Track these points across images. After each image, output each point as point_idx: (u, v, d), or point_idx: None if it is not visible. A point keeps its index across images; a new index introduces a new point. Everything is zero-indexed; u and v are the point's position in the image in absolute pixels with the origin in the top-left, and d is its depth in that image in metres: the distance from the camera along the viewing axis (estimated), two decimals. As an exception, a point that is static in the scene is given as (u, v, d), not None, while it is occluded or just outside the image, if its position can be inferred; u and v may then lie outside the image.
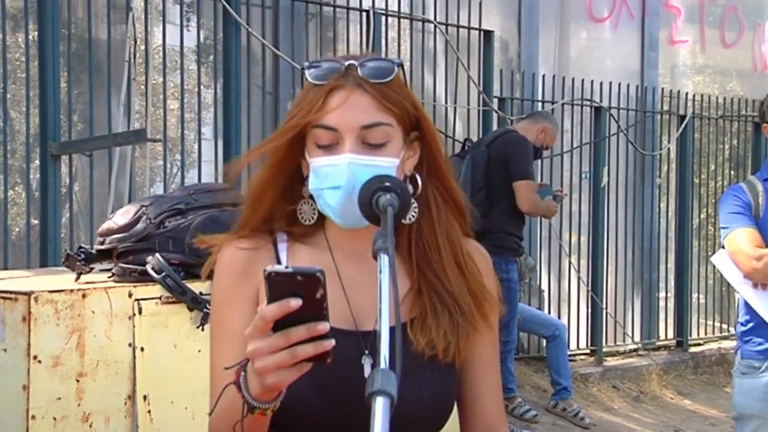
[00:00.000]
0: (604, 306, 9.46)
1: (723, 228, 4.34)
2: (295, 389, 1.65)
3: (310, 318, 1.54)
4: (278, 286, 1.52)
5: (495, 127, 8.52)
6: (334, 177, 1.84)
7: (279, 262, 1.93)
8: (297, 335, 1.54)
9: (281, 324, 1.54)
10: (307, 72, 1.88)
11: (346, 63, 1.88)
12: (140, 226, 3.77)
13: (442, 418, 1.93)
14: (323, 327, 1.54)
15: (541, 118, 7.77)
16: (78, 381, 3.36)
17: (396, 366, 1.55)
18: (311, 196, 1.91)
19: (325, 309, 1.54)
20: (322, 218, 1.94)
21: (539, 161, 8.93)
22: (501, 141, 7.33)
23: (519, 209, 7.15)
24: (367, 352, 1.85)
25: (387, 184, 1.79)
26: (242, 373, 1.65)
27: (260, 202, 1.93)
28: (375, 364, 1.59)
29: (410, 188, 1.91)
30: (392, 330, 1.59)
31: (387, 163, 1.86)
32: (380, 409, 1.50)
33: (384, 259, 1.66)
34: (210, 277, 1.96)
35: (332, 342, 1.55)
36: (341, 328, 1.85)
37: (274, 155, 1.90)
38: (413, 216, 1.92)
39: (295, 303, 1.52)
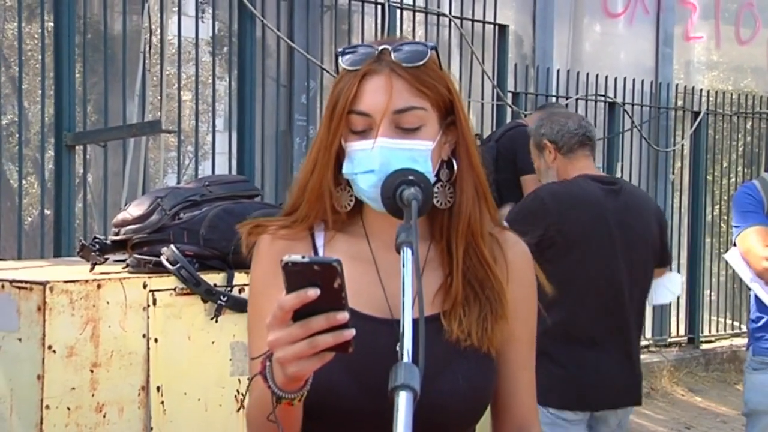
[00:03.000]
0: (616, 302, 9.42)
1: (735, 226, 4.34)
2: (332, 378, 1.65)
3: (329, 308, 1.53)
4: (295, 276, 1.52)
5: (509, 121, 8.51)
6: (367, 161, 1.83)
7: (316, 250, 1.93)
8: (316, 325, 1.54)
9: (301, 314, 1.54)
10: (341, 58, 1.88)
11: (380, 48, 1.87)
12: (155, 217, 3.76)
13: (479, 408, 1.91)
14: (342, 317, 1.54)
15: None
16: (92, 371, 3.37)
17: (419, 360, 1.55)
18: (348, 183, 1.90)
19: (343, 298, 1.54)
20: (359, 206, 1.93)
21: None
22: (509, 136, 7.30)
23: None
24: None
25: (410, 177, 1.79)
26: (268, 364, 1.64)
27: (304, 190, 1.92)
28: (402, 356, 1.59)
29: (447, 173, 1.91)
30: (416, 323, 1.59)
31: (421, 147, 1.85)
32: (403, 403, 1.50)
33: (407, 253, 1.65)
34: (245, 258, 1.96)
35: (352, 332, 1.55)
36: (377, 316, 1.85)
37: (316, 144, 1.90)
38: (449, 201, 1.91)
39: (313, 293, 1.51)
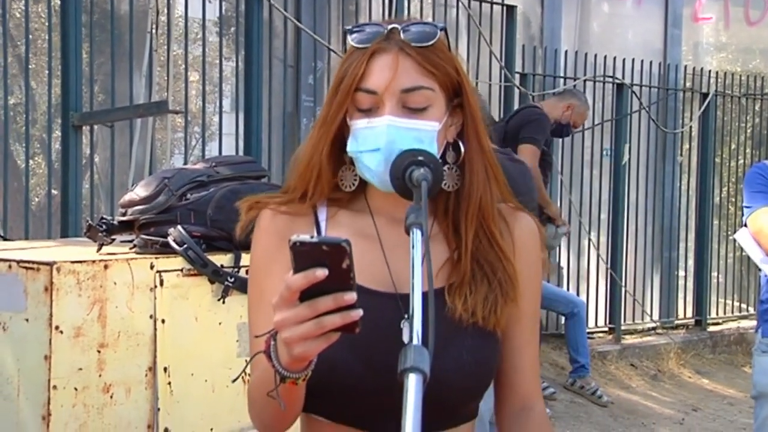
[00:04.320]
0: (623, 284, 9.43)
1: (746, 207, 4.32)
2: (333, 354, 1.64)
3: (336, 288, 1.52)
4: (303, 255, 1.51)
5: (516, 102, 8.49)
6: (373, 139, 1.82)
7: (319, 228, 1.92)
8: (324, 305, 1.52)
9: (308, 294, 1.52)
10: (350, 36, 1.87)
11: (389, 27, 1.86)
12: (162, 198, 3.76)
13: (483, 384, 1.91)
14: (350, 297, 1.52)
15: (569, 95, 7.73)
16: (99, 352, 3.37)
17: (429, 341, 1.54)
18: (352, 162, 1.89)
19: (351, 279, 1.52)
20: (363, 185, 1.92)
21: (561, 139, 8.90)
22: (518, 116, 7.31)
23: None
24: (406, 316, 1.78)
25: (420, 158, 1.78)
26: (272, 343, 1.64)
27: (307, 167, 1.91)
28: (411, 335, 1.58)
29: (453, 155, 1.90)
30: (424, 304, 1.58)
31: (427, 127, 1.84)
32: (413, 386, 1.49)
33: (417, 234, 1.64)
34: (246, 235, 1.94)
35: (360, 312, 1.54)
36: (381, 290, 1.85)
37: (321, 121, 1.89)
38: (456, 184, 1.91)
39: (321, 273, 1.50)
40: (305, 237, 1.51)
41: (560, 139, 8.93)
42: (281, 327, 1.56)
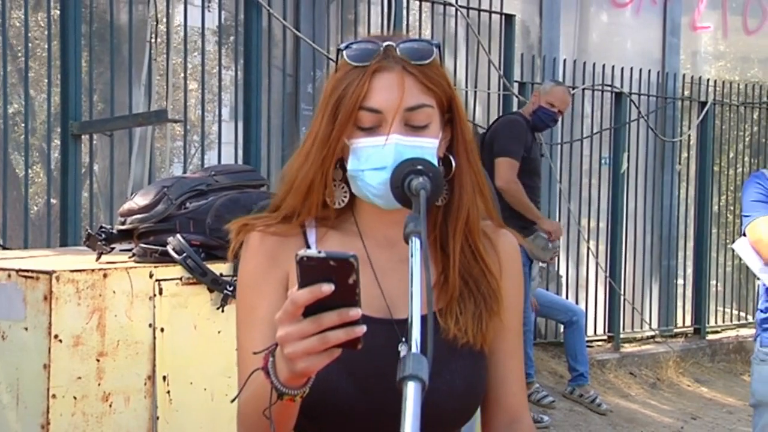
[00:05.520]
0: (622, 292, 9.43)
1: (745, 216, 4.32)
2: (329, 378, 1.63)
3: (341, 303, 1.51)
4: (310, 270, 1.50)
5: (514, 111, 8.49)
6: (379, 158, 1.82)
7: (308, 247, 1.91)
8: (328, 321, 1.52)
9: (312, 309, 1.52)
10: (345, 53, 1.86)
11: (384, 44, 1.85)
12: (161, 206, 3.77)
13: (473, 407, 1.92)
14: (355, 313, 1.51)
15: (540, 87, 7.65)
16: (98, 361, 3.37)
17: (428, 351, 1.54)
18: (343, 179, 1.89)
19: (357, 295, 1.51)
20: (350, 205, 1.92)
21: (559, 147, 8.91)
22: (493, 126, 7.31)
23: (498, 190, 6.92)
24: (403, 339, 1.80)
25: (419, 167, 1.78)
26: (270, 359, 1.62)
27: (298, 186, 1.90)
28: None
29: (443, 170, 1.89)
30: (424, 316, 1.58)
31: (429, 145, 1.84)
32: (412, 394, 1.49)
33: (416, 243, 1.64)
34: (236, 258, 1.94)
35: (363, 328, 1.53)
36: (375, 316, 1.84)
37: (314, 139, 1.88)
38: (445, 198, 1.91)
39: (327, 288, 1.49)
40: (312, 252, 1.50)
41: (558, 147, 8.95)
42: (285, 342, 1.55)
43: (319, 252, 1.50)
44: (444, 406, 1.83)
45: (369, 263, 1.90)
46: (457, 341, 1.86)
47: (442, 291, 1.90)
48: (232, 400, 1.82)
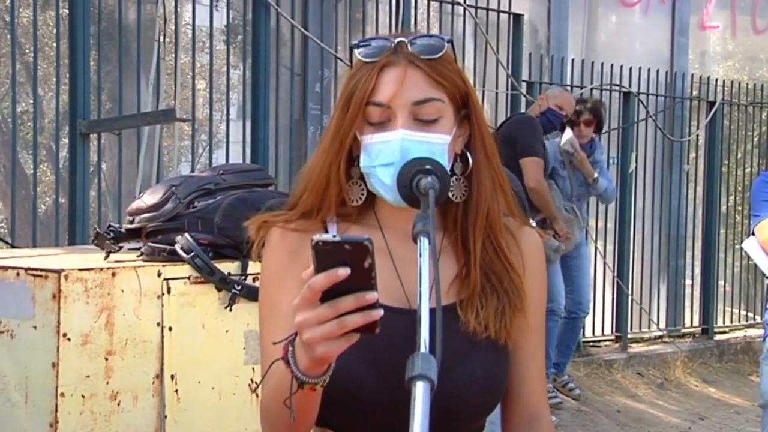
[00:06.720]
0: (630, 292, 9.42)
1: (754, 215, 4.31)
2: (349, 368, 1.63)
3: (358, 288, 1.51)
4: (325, 255, 1.50)
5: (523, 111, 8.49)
6: (387, 154, 1.83)
7: None
8: (345, 305, 1.52)
9: (329, 294, 1.52)
10: (356, 50, 1.88)
11: (396, 40, 1.87)
12: (170, 205, 3.77)
13: (494, 400, 1.92)
14: (372, 296, 1.52)
15: (548, 91, 7.73)
16: (107, 359, 3.38)
17: (436, 350, 1.54)
18: (360, 177, 1.90)
19: (373, 278, 1.51)
20: (371, 199, 1.92)
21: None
22: (508, 122, 7.33)
23: (528, 190, 6.97)
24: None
25: (427, 166, 1.78)
26: (290, 348, 1.63)
27: (320, 181, 1.91)
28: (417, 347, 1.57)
29: (461, 167, 1.90)
30: (433, 313, 1.58)
31: (439, 140, 1.85)
32: (420, 394, 1.49)
33: (424, 243, 1.64)
34: (259, 257, 1.94)
35: (381, 312, 1.53)
36: (395, 306, 1.84)
37: (329, 135, 1.89)
38: (464, 195, 1.91)
39: (343, 272, 1.49)
40: (327, 236, 1.50)
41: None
42: (303, 327, 1.55)
43: (334, 236, 1.50)
44: (464, 396, 1.83)
45: (389, 255, 1.90)
46: (477, 334, 1.85)
47: (463, 285, 1.90)
48: (254, 390, 1.81)
